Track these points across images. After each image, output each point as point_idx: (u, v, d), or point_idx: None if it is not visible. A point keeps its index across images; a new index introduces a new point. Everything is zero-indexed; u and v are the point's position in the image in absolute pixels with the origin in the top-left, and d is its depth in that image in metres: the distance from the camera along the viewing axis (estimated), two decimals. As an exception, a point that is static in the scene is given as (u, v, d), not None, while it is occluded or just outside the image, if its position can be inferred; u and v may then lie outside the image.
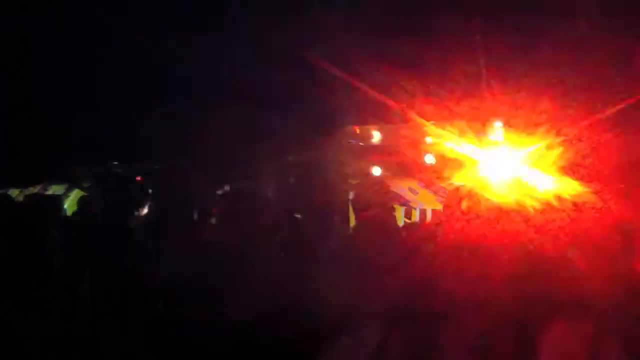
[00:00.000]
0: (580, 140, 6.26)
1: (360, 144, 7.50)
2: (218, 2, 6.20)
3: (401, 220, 6.95)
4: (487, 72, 6.39)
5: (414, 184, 7.53)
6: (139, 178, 5.54)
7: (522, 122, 6.71)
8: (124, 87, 6.51)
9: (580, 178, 6.02)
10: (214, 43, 6.03)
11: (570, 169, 6.25)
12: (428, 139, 7.25)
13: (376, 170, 7.45)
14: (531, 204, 5.96)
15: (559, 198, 6.09)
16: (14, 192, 6.43)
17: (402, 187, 7.47)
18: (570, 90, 6.21)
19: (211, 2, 6.18)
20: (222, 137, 6.24)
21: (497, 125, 7.00)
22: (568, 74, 6.18)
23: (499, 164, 6.89)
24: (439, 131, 7.18)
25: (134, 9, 6.04)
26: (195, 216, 4.23)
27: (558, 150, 6.32)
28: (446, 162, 7.20)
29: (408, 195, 7.59)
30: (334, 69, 6.05)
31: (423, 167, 7.37)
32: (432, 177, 7.49)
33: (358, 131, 7.47)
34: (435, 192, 7.52)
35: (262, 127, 6.40)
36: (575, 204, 5.73)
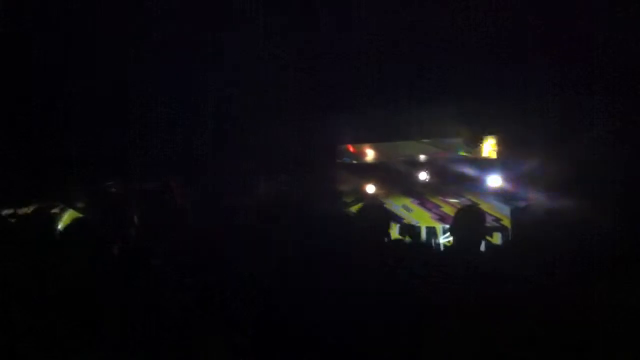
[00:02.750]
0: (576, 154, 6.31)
1: (354, 162, 7.56)
2: (213, 23, 6.25)
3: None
4: (481, 89, 6.45)
5: (407, 201, 7.58)
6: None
7: (517, 136, 6.79)
8: (118, 106, 6.52)
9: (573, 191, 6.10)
10: (210, 62, 6.08)
11: (566, 183, 6.32)
12: (422, 157, 7.34)
13: (370, 189, 7.50)
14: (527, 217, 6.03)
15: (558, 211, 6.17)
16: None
17: (396, 204, 7.51)
18: (564, 103, 6.26)
19: (205, 23, 6.23)
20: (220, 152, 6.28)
21: (490, 141, 7.09)
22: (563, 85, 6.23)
23: (494, 179, 6.98)
24: (434, 148, 7.29)
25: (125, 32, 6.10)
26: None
27: (555, 164, 6.39)
28: (441, 179, 7.31)
29: (402, 213, 7.63)
30: (327, 85, 6.14)
31: (417, 185, 7.44)
32: (427, 194, 7.56)
33: (352, 149, 7.53)
34: (429, 210, 7.58)
35: (255, 142, 6.44)
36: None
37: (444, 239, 7.27)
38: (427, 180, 7.40)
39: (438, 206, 7.45)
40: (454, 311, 2.57)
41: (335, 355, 2.57)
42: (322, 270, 3.83)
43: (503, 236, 7.06)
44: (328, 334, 2.58)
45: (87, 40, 5.94)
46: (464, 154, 7.23)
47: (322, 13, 6.08)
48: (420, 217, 7.56)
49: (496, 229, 7.17)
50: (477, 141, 6.87)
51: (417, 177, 7.41)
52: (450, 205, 7.42)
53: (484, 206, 7.38)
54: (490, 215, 7.35)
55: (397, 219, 7.50)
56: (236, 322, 2.77)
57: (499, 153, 6.87)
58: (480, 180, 7.08)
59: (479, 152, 7.04)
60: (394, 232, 7.47)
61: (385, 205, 6.99)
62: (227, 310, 2.83)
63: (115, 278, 3.07)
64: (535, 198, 6.42)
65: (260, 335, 2.71)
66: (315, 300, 2.87)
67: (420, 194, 7.52)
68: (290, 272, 3.44)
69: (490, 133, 6.85)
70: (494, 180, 6.94)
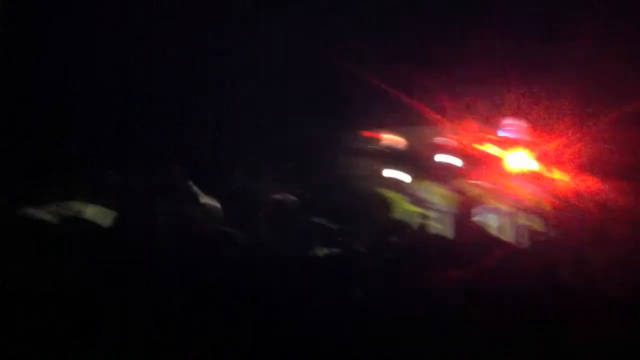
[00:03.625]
0: (597, 138, 6.22)
1: (376, 147, 7.44)
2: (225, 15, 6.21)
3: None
4: (503, 71, 6.35)
5: (431, 185, 7.43)
6: None
7: (541, 119, 6.67)
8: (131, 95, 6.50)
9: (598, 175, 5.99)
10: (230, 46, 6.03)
11: (589, 167, 6.20)
12: (446, 140, 7.20)
13: (391, 173, 7.37)
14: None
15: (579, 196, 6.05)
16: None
17: (420, 188, 7.37)
18: (586, 87, 6.18)
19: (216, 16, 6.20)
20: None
21: (516, 123, 6.94)
22: (584, 71, 6.14)
23: (518, 162, 6.85)
24: (458, 131, 7.15)
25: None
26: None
27: (577, 148, 6.28)
28: (467, 162, 7.17)
29: (425, 198, 7.49)
30: (352, 70, 6.06)
31: (443, 168, 7.31)
32: (450, 177, 7.41)
33: (378, 135, 7.41)
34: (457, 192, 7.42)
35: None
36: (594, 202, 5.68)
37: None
38: (449, 162, 7.26)
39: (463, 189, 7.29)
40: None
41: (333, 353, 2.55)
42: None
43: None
44: (325, 333, 2.56)
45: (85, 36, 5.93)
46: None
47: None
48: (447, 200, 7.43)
49: (527, 211, 6.96)
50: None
51: (441, 161, 7.27)
52: (479, 188, 7.25)
53: (511, 188, 7.22)
54: (521, 198, 7.16)
55: (420, 202, 7.37)
56: (235, 322, 2.74)
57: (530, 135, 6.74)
58: (506, 162, 6.93)
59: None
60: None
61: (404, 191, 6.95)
62: (227, 311, 2.81)
63: (115, 278, 3.06)
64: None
65: (259, 335, 2.69)
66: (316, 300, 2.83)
67: (443, 177, 7.37)
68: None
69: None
70: (525, 163, 6.78)
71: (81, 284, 3.07)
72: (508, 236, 6.65)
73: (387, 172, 7.32)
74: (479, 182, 7.25)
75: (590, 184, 6.05)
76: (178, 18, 6.22)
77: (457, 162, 7.26)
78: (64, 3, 6.14)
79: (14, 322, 2.80)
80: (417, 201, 7.20)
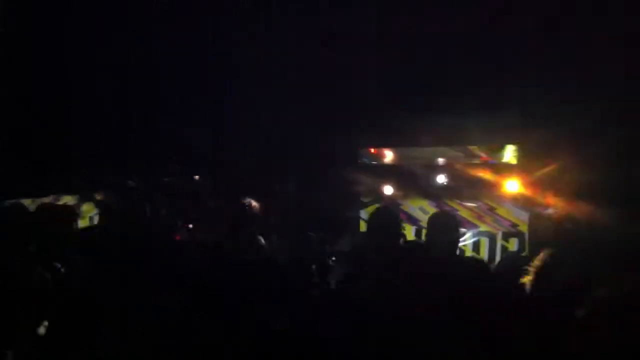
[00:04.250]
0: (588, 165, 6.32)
1: (374, 162, 7.58)
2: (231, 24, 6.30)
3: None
4: (500, 96, 6.48)
5: (424, 203, 7.57)
6: None
7: (536, 144, 6.81)
8: (139, 97, 6.57)
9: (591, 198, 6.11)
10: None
11: (579, 192, 6.32)
12: (441, 160, 7.36)
13: (388, 190, 7.51)
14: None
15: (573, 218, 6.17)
16: (26, 202, 6.46)
17: (413, 206, 7.52)
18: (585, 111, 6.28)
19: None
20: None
21: (510, 147, 7.11)
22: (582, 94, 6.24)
23: (513, 185, 7.00)
24: (452, 152, 7.32)
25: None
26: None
27: (573, 171, 6.40)
28: (459, 183, 7.33)
29: (419, 215, 7.63)
30: (351, 89, 6.20)
31: (435, 187, 7.46)
32: (444, 197, 7.56)
33: (372, 151, 7.56)
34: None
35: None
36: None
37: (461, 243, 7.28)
38: (445, 183, 7.41)
39: (455, 210, 7.43)
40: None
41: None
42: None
43: (519, 242, 7.08)
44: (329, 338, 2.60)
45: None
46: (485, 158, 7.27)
47: (339, 19, 6.16)
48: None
49: (513, 235, 7.19)
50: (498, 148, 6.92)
51: (435, 180, 7.43)
52: (467, 209, 7.42)
53: (501, 211, 7.40)
54: (507, 220, 7.36)
55: (414, 220, 7.52)
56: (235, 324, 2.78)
57: (519, 159, 6.89)
58: (498, 185, 7.09)
59: (500, 157, 7.07)
60: (411, 233, 7.54)
61: (397, 208, 7.09)
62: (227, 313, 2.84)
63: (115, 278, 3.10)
64: (555, 205, 6.44)
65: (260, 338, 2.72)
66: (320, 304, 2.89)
67: (437, 196, 7.52)
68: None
69: (511, 141, 6.89)
70: (513, 186, 6.94)
71: (81, 284, 3.10)
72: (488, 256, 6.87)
73: (387, 189, 7.49)
74: (470, 204, 7.43)
75: (579, 209, 6.16)
76: (178, 18, 6.27)
77: (452, 182, 7.43)
78: (64, 3, 6.21)
79: (13, 322, 2.83)
80: (410, 219, 7.37)
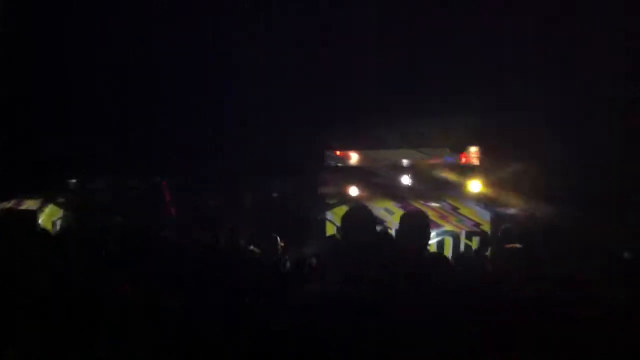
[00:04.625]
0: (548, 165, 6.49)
1: (339, 165, 7.66)
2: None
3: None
4: (460, 98, 6.60)
5: (389, 204, 7.68)
6: None
7: (497, 145, 6.97)
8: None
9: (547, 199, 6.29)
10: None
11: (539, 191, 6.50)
12: (405, 161, 7.48)
13: (354, 191, 7.60)
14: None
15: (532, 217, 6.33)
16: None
17: (378, 207, 7.61)
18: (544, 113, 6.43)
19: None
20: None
21: (472, 149, 7.27)
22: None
23: (476, 185, 7.16)
24: (416, 154, 7.45)
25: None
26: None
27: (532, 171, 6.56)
28: (422, 184, 7.47)
29: (384, 216, 7.73)
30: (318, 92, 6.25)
31: (400, 189, 7.58)
32: (409, 198, 7.68)
33: (338, 153, 7.63)
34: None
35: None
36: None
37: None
38: (409, 184, 7.54)
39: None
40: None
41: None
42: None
43: (482, 241, 7.24)
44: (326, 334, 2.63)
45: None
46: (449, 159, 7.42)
47: (311, 23, 6.22)
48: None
49: (476, 234, 7.37)
50: (461, 149, 7.05)
51: (399, 181, 7.55)
52: (431, 209, 7.56)
53: (465, 211, 7.57)
54: (470, 219, 7.54)
55: (379, 221, 7.61)
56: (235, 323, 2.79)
57: (481, 160, 7.06)
58: (461, 185, 7.25)
59: (462, 159, 7.22)
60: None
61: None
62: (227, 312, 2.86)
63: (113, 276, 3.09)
64: (517, 204, 6.62)
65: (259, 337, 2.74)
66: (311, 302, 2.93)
67: (402, 197, 7.64)
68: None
69: (474, 143, 7.04)
70: (476, 186, 7.10)
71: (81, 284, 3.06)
72: (452, 255, 7.01)
73: (353, 191, 7.57)
74: (434, 204, 7.58)
75: (538, 207, 6.31)
76: (177, 19, 6.23)
77: (416, 183, 7.56)
78: (64, 3, 6.14)
79: (13, 322, 2.81)
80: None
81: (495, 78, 6.25)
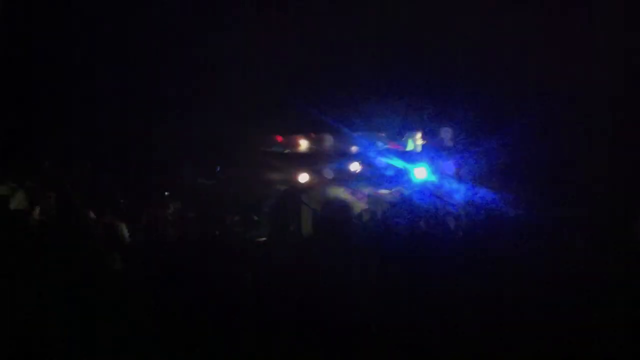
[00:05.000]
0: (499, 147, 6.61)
1: (286, 151, 7.73)
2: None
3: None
4: (409, 85, 6.68)
5: (340, 191, 7.79)
6: None
7: (442, 132, 7.10)
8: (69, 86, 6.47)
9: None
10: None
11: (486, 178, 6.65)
12: (354, 148, 7.60)
13: (304, 177, 7.70)
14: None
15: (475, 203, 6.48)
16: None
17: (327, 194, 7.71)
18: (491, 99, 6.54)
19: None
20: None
21: (417, 136, 7.39)
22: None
23: (420, 171, 7.30)
24: (364, 141, 7.55)
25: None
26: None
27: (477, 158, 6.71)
28: (372, 170, 7.60)
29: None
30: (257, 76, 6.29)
31: (349, 175, 7.69)
32: (358, 184, 7.80)
33: (281, 140, 7.70)
34: (360, 199, 7.82)
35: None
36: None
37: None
38: (357, 170, 7.66)
39: (368, 195, 7.70)
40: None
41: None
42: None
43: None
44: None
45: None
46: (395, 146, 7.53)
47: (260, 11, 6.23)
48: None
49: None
50: (401, 136, 7.17)
51: (348, 167, 7.67)
52: (379, 195, 7.69)
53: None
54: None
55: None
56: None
57: (422, 147, 7.19)
58: (407, 171, 7.37)
59: (405, 145, 7.34)
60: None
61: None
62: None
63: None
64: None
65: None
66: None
67: (352, 183, 7.75)
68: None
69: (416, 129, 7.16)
70: (420, 172, 7.24)
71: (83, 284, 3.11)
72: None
73: (303, 177, 7.66)
74: (379, 189, 7.71)
75: (485, 194, 6.44)
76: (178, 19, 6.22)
77: (360, 169, 7.70)
78: (64, 3, 6.09)
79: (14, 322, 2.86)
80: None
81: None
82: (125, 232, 3.90)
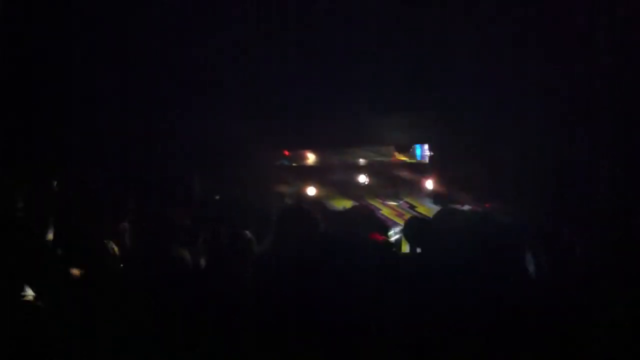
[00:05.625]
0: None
1: (294, 164, 7.77)
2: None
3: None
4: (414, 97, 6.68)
5: (348, 203, 7.78)
6: None
7: (448, 143, 7.07)
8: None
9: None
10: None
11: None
12: (361, 161, 7.61)
13: (311, 191, 7.71)
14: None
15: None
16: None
17: (336, 207, 7.71)
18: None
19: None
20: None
21: (424, 148, 7.40)
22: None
23: (429, 183, 7.29)
24: (370, 153, 7.57)
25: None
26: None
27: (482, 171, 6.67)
28: (380, 182, 7.60)
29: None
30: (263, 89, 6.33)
31: (356, 187, 7.70)
32: (366, 196, 7.80)
33: (288, 154, 7.73)
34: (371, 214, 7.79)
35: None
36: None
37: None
38: (366, 183, 7.66)
39: (377, 209, 7.68)
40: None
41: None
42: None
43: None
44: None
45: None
46: (403, 158, 7.53)
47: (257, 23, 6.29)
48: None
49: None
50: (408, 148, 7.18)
51: (356, 180, 7.68)
52: (389, 207, 7.68)
53: (421, 209, 7.67)
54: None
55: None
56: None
57: (430, 158, 7.17)
58: (416, 183, 7.38)
59: (412, 157, 7.35)
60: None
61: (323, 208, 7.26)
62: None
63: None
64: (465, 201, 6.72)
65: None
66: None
67: (359, 196, 7.75)
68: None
69: (423, 140, 7.16)
70: (429, 184, 7.23)
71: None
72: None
73: (310, 190, 7.67)
74: (391, 202, 7.70)
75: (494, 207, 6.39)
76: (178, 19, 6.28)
77: (373, 182, 7.70)
78: (63, 3, 6.18)
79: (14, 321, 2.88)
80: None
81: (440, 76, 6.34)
82: (127, 235, 3.92)
